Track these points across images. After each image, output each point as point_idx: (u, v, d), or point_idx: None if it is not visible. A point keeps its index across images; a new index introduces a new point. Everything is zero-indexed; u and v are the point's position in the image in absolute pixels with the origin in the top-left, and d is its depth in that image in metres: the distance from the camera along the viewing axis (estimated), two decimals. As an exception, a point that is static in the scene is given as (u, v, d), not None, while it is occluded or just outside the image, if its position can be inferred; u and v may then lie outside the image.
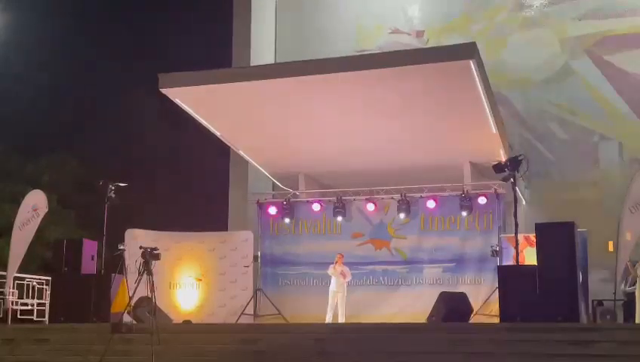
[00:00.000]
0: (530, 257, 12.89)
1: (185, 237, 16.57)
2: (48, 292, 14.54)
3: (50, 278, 14.39)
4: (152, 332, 10.49)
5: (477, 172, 16.48)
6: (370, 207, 16.28)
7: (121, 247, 13.85)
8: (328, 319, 14.93)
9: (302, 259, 16.53)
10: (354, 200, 16.50)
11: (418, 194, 16.10)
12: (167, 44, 27.41)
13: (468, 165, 16.40)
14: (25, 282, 15.13)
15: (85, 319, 12.70)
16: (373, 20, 22.02)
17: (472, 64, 12.60)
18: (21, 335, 12.39)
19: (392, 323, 13.08)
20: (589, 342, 10.13)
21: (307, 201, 16.89)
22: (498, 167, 12.75)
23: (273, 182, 19.07)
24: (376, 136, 15.44)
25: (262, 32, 22.41)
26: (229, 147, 17.99)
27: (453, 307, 12.66)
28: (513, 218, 12.33)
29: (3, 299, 14.38)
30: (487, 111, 14.13)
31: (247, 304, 15.91)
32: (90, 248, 13.83)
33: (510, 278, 11.83)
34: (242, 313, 15.62)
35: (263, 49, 22.16)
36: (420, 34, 21.64)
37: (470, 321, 13.06)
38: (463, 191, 15.75)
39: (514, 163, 12.49)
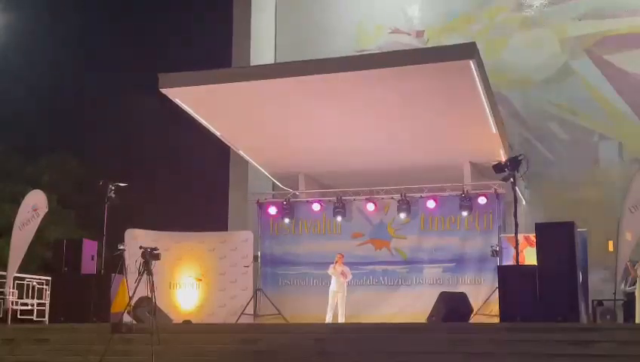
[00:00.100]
0: (530, 257, 12.89)
1: (185, 237, 16.57)
2: (48, 292, 14.55)
3: (50, 278, 14.40)
4: (152, 332, 10.49)
5: (477, 172, 16.48)
6: (370, 206, 16.28)
7: (121, 247, 13.86)
8: (328, 319, 14.93)
9: (302, 259, 16.53)
10: (354, 200, 16.50)
11: (418, 194, 16.10)
12: (167, 44, 27.42)
13: (468, 165, 16.40)
14: (25, 282, 15.14)
15: (85, 319, 12.71)
16: (373, 20, 22.01)
17: (472, 64, 12.60)
18: (21, 335, 12.38)
19: (392, 323, 13.08)
20: (589, 341, 10.13)
21: (307, 201, 16.89)
22: (498, 167, 12.75)
23: (273, 182, 19.07)
24: (376, 136, 15.44)
25: (262, 32, 22.41)
26: (229, 147, 17.99)
27: (453, 307, 12.65)
28: (513, 218, 12.32)
29: (3, 299, 14.39)
30: (487, 111, 14.13)
31: (247, 304, 15.91)
32: (90, 248, 13.83)
33: (510, 278, 11.83)
34: (242, 313, 15.62)
35: (263, 49, 22.16)
36: (419, 34, 21.63)
37: (470, 321, 13.06)
38: (463, 191, 15.75)
39: (514, 163, 12.49)
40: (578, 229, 11.92)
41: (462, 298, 13.20)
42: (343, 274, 15.20)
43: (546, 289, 11.23)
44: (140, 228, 16.10)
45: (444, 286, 14.91)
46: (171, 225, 16.93)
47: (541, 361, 10.05)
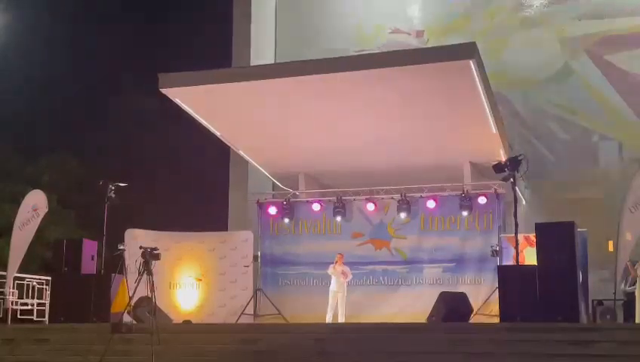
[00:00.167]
0: (530, 257, 12.89)
1: (185, 237, 16.57)
2: (48, 292, 14.55)
3: (50, 278, 14.40)
4: (152, 332, 10.49)
5: (477, 172, 16.48)
6: (370, 206, 16.28)
7: (121, 247, 13.86)
8: (328, 319, 14.93)
9: (302, 259, 16.52)
10: (354, 200, 16.50)
11: (418, 194, 16.09)
12: (168, 44, 27.43)
13: (468, 165, 16.40)
14: (25, 282, 15.14)
15: (85, 319, 12.70)
16: (374, 20, 22.00)
17: (472, 64, 12.60)
18: (21, 335, 12.39)
19: (392, 323, 13.06)
20: (589, 341, 10.13)
21: (307, 201, 16.89)
22: (498, 167, 12.74)
23: (273, 182, 19.07)
24: (376, 136, 15.44)
25: (262, 32, 22.40)
26: (229, 147, 17.99)
27: (453, 307, 12.65)
28: (513, 218, 12.30)
29: (3, 298, 14.39)
30: (487, 111, 14.13)
31: (247, 304, 15.91)
32: (90, 248, 13.83)
33: (510, 278, 11.83)
34: (242, 313, 15.62)
35: (263, 49, 22.16)
36: (420, 34, 21.63)
37: (470, 321, 13.06)
38: (463, 191, 15.75)
39: (514, 163, 12.48)
40: (578, 229, 11.92)
41: (462, 298, 13.20)
42: (343, 274, 15.20)
43: (546, 289, 11.23)
44: (140, 228, 16.10)
45: (444, 286, 14.91)
46: (171, 225, 16.94)
47: (541, 361, 10.06)
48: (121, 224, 15.45)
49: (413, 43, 21.39)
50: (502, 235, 15.22)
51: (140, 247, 11.20)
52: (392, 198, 16.19)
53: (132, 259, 11.97)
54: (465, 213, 15.62)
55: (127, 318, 12.31)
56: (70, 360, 11.36)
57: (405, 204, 15.90)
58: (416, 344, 10.74)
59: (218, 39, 23.61)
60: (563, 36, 20.26)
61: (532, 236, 12.62)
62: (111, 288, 13.23)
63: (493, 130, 14.74)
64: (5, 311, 14.23)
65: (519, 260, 12.54)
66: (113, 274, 13.42)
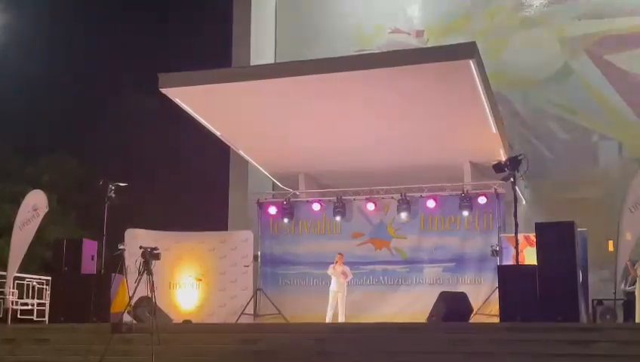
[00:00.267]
0: (530, 257, 12.89)
1: (185, 236, 16.57)
2: (48, 292, 14.56)
3: (50, 278, 14.40)
4: (152, 332, 10.49)
5: (477, 171, 16.48)
6: (370, 206, 16.28)
7: (121, 247, 13.87)
8: (328, 319, 14.94)
9: (302, 259, 16.52)
10: (354, 199, 16.50)
11: (418, 194, 16.09)
12: (167, 44, 27.41)
13: (468, 165, 16.40)
14: (25, 282, 15.16)
15: (85, 319, 12.71)
16: (373, 20, 22.01)
17: (471, 64, 12.59)
18: (21, 335, 12.39)
19: (392, 323, 13.06)
20: (589, 341, 10.13)
21: (307, 201, 16.89)
22: (498, 167, 12.75)
23: (273, 182, 19.07)
24: (376, 136, 15.44)
25: (262, 32, 22.41)
26: (229, 147, 17.99)
27: (454, 307, 12.65)
28: (513, 217, 12.32)
29: (3, 298, 14.40)
30: (487, 111, 14.13)
31: (247, 304, 15.91)
32: (90, 248, 13.83)
33: (510, 278, 11.83)
34: (242, 313, 15.62)
35: (263, 49, 22.16)
36: (419, 34, 21.64)
37: (470, 321, 13.06)
38: (463, 190, 15.75)
39: (514, 162, 12.49)
40: (578, 229, 11.92)
41: (462, 298, 13.20)
42: (343, 274, 15.20)
43: (546, 288, 11.23)
44: (140, 228, 16.09)
45: (444, 286, 14.91)
46: (171, 225, 16.93)
47: (541, 361, 10.06)
48: (121, 224, 15.45)
49: (413, 43, 21.39)
50: (502, 235, 15.22)
51: (140, 247, 11.21)
52: (392, 198, 16.19)
53: (132, 258, 11.97)
54: (465, 213, 15.62)
55: (127, 318, 12.30)
56: (70, 360, 11.36)
57: (405, 203, 15.90)
58: (416, 344, 10.75)
59: (218, 39, 23.61)
60: (563, 36, 20.26)
61: (532, 236, 12.62)
62: (111, 288, 13.23)
63: (493, 129, 14.74)
64: (5, 311, 14.24)
65: (519, 260, 12.56)
66: (113, 274, 13.42)
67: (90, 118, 27.00)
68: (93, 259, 13.81)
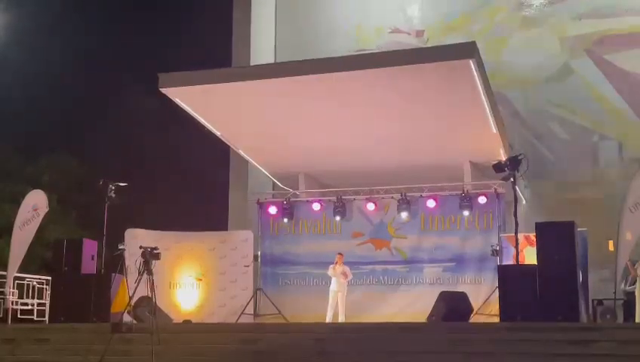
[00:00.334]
0: (530, 257, 12.89)
1: (185, 236, 16.57)
2: (48, 292, 14.55)
3: (50, 278, 14.39)
4: (152, 331, 10.48)
5: (477, 171, 16.48)
6: (370, 206, 16.28)
7: (121, 247, 13.88)
8: (328, 319, 14.93)
9: (302, 259, 16.53)
10: (354, 199, 16.50)
11: (418, 194, 16.09)
12: (167, 44, 27.41)
13: (468, 164, 16.40)
14: (25, 282, 15.15)
15: (85, 319, 12.70)
16: (373, 20, 22.01)
17: (471, 63, 12.59)
18: (21, 335, 12.39)
19: (392, 323, 13.06)
20: (589, 341, 10.13)
21: (307, 201, 16.89)
22: (498, 167, 12.75)
23: (273, 182, 19.08)
24: (376, 136, 15.44)
25: (262, 32, 22.41)
26: (229, 147, 17.99)
27: (454, 306, 12.65)
28: (513, 217, 12.31)
29: (3, 298, 14.39)
30: (487, 111, 14.13)
31: (248, 304, 15.91)
32: (90, 248, 13.82)
33: (510, 278, 11.83)
34: (242, 313, 15.62)
35: (262, 49, 22.16)
36: (419, 33, 21.64)
37: (470, 321, 13.05)
38: (463, 190, 15.76)
39: (514, 162, 12.49)
40: (578, 229, 11.92)
41: (462, 297, 13.20)
42: (343, 274, 15.20)
43: (546, 288, 11.23)
44: (140, 227, 16.09)
45: (444, 286, 14.92)
46: (171, 225, 16.93)
47: (541, 361, 10.05)
48: (121, 224, 15.45)
49: (413, 43, 21.39)
50: (502, 235, 15.22)
51: (140, 247, 11.19)
52: (392, 198, 16.19)
53: (132, 258, 11.96)
54: (465, 213, 15.62)
55: (127, 318, 12.30)
56: (70, 359, 11.36)
57: (405, 203, 15.90)
58: (416, 344, 10.74)
59: (218, 39, 23.61)
60: (563, 36, 20.26)
61: (532, 235, 12.62)
62: (111, 288, 13.23)
63: (493, 129, 14.74)
64: (5, 310, 14.23)
65: (519, 260, 12.56)
66: (113, 274, 13.42)
67: (90, 118, 27.00)
68: (93, 258, 13.80)
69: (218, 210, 21.16)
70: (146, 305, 12.28)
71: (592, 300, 14.44)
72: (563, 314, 11.01)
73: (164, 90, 14.10)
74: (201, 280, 16.33)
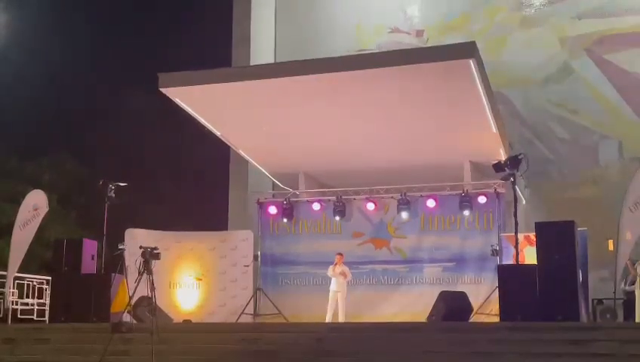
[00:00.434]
0: (530, 256, 12.89)
1: (185, 236, 16.57)
2: (48, 292, 14.56)
3: (50, 278, 14.39)
4: (152, 331, 10.47)
5: (477, 171, 16.48)
6: (370, 206, 16.27)
7: (121, 247, 13.88)
8: (328, 318, 14.92)
9: (302, 259, 16.52)
10: (354, 199, 16.49)
11: (418, 194, 16.08)
12: (167, 44, 27.43)
13: (468, 164, 16.39)
14: (25, 282, 15.16)
15: (85, 319, 12.69)
16: (373, 20, 22.02)
17: (471, 63, 12.58)
18: (21, 335, 12.39)
19: (392, 323, 13.07)
20: (589, 341, 10.13)
21: (307, 201, 16.88)
22: (498, 166, 12.76)
23: (273, 182, 19.08)
24: (376, 136, 15.44)
25: (262, 32, 22.41)
26: (229, 147, 17.99)
27: (454, 306, 12.64)
28: (513, 217, 12.32)
29: (3, 298, 14.40)
30: (487, 111, 14.13)
31: (248, 303, 15.90)
32: (90, 248, 13.82)
33: (510, 277, 11.83)
34: (242, 312, 15.62)
35: (262, 49, 22.16)
36: (419, 33, 21.64)
37: (470, 321, 13.05)
38: (463, 190, 15.75)
39: (514, 162, 12.49)
40: (578, 228, 11.91)
41: (462, 297, 13.19)
42: (342, 274, 15.19)
43: (546, 288, 11.23)
44: (140, 227, 16.09)
45: (444, 286, 14.91)
46: (171, 225, 16.94)
47: (541, 360, 10.05)
48: (121, 224, 15.45)
49: (413, 42, 21.40)
50: (502, 234, 15.21)
51: (140, 247, 11.18)
52: (392, 198, 16.18)
53: (132, 258, 11.95)
54: (465, 213, 15.61)
55: (127, 318, 12.31)
56: (70, 359, 11.37)
57: (405, 203, 15.89)
58: (416, 343, 10.74)
59: (218, 39, 23.61)
60: (563, 35, 20.26)
61: (532, 235, 12.62)
62: (111, 288, 13.22)
63: (493, 129, 14.74)
64: (5, 310, 14.24)
65: (519, 259, 12.56)
66: (113, 274, 13.41)
67: (90, 118, 27.02)
68: (93, 258, 13.80)
69: (218, 210, 21.16)
70: (146, 305, 12.26)
71: (592, 300, 14.46)
72: (563, 314, 11.01)
73: (164, 90, 14.09)
74: (201, 279, 16.33)
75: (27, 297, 15.11)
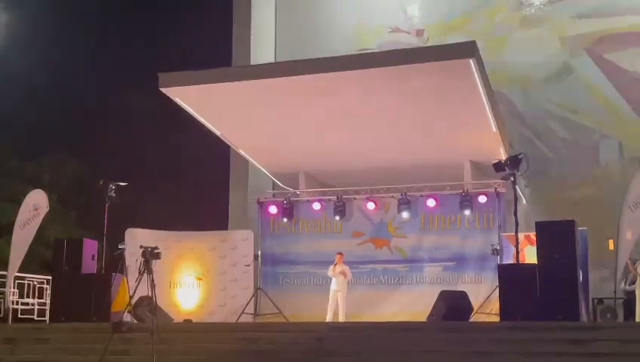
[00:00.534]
0: (530, 256, 12.89)
1: (185, 236, 16.58)
2: (49, 291, 14.57)
3: (50, 278, 14.39)
4: (153, 331, 10.48)
5: (477, 171, 16.48)
6: (371, 205, 16.27)
7: (122, 247, 13.88)
8: (329, 318, 14.93)
9: (302, 258, 16.53)
10: (354, 199, 16.50)
11: (418, 193, 16.08)
12: (167, 44, 27.43)
13: (468, 164, 16.40)
14: (25, 281, 15.17)
15: (86, 318, 12.70)
16: (373, 19, 22.01)
17: (472, 63, 12.58)
18: (22, 334, 12.39)
19: (392, 322, 13.06)
20: (590, 340, 10.13)
21: (307, 200, 16.89)
22: (498, 166, 12.75)
23: (273, 182, 19.07)
24: (376, 135, 15.45)
25: (262, 32, 22.40)
26: (229, 147, 17.99)
27: (454, 306, 12.64)
28: (513, 216, 12.31)
29: (4, 298, 14.40)
30: (488, 110, 14.13)
31: (248, 303, 15.90)
32: (90, 248, 13.83)
33: (510, 277, 11.82)
34: (243, 312, 15.62)
35: (262, 49, 22.15)
36: (420, 33, 21.64)
37: (470, 320, 13.05)
38: (464, 189, 15.75)
39: (514, 161, 12.49)
40: (578, 228, 11.91)
41: (462, 297, 13.19)
42: (342, 273, 15.19)
43: (547, 287, 11.23)
44: (140, 227, 16.10)
45: (444, 285, 14.92)
46: (171, 224, 16.94)
47: (541, 360, 10.05)
48: (122, 224, 15.45)
49: (414, 42, 21.38)
50: (502, 234, 15.21)
51: (141, 246, 11.19)
52: (393, 197, 16.19)
53: (132, 258, 11.98)
54: (465, 212, 15.61)
55: (127, 317, 12.31)
56: (71, 359, 11.37)
57: (405, 203, 15.90)
58: (416, 343, 10.74)
59: (218, 39, 23.61)
60: (563, 35, 20.25)
61: (532, 235, 12.62)
62: (111, 287, 13.23)
63: (494, 128, 14.74)
64: (6, 310, 14.24)
65: (519, 259, 12.55)
66: (113, 274, 13.43)
67: (90, 118, 27.02)
68: (93, 258, 13.81)
69: (218, 209, 21.16)
70: (147, 305, 12.28)
71: (593, 299, 14.45)
72: (563, 314, 11.01)
73: (164, 90, 14.10)
74: (201, 279, 16.34)
75: (27, 297, 15.12)
